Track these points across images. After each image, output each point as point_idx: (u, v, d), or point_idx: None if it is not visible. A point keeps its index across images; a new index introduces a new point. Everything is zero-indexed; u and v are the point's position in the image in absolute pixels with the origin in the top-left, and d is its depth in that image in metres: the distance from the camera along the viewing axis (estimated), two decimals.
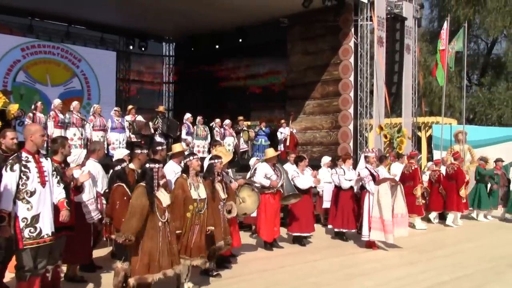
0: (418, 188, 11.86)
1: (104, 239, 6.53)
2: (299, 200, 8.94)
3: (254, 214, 8.81)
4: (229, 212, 6.76)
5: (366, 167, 9.21)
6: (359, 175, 9.28)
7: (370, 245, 9.12)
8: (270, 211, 8.61)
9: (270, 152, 9.01)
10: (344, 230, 9.84)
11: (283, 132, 14.99)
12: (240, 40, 18.63)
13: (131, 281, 5.17)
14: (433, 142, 19.00)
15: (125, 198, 5.60)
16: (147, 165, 5.40)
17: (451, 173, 12.82)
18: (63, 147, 5.54)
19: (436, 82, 25.90)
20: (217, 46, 19.43)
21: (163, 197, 5.38)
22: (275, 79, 18.43)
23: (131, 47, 20.18)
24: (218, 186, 6.59)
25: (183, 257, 5.74)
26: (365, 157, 9.44)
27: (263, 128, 15.06)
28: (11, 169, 4.75)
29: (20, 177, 4.77)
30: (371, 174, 9.07)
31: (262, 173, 8.66)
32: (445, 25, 16.48)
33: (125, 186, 5.73)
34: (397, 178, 10.59)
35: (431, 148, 20.11)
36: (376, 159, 9.67)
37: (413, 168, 12.10)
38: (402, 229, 9.17)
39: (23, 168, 4.79)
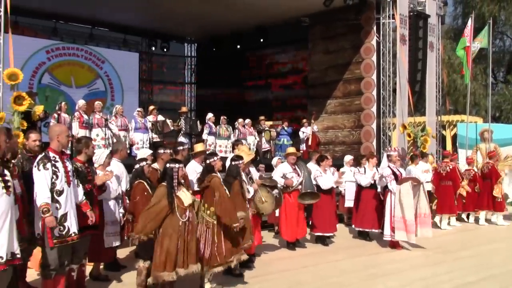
0: (464, 185, 11.77)
1: (126, 238, 6.59)
2: (317, 201, 8.80)
3: (278, 214, 8.81)
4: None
5: (388, 166, 9.14)
6: (381, 174, 9.19)
7: (394, 245, 9.04)
8: (290, 211, 8.58)
9: (289, 149, 9.09)
10: (367, 230, 9.76)
11: (305, 132, 14.93)
12: (261, 40, 18.63)
13: (149, 280, 5.24)
14: (458, 141, 18.73)
15: (145, 193, 5.66)
16: (168, 165, 5.45)
17: (485, 172, 12.62)
18: (87, 147, 5.63)
19: (460, 80, 25.62)
20: (238, 46, 19.46)
21: (185, 196, 5.40)
22: (296, 78, 18.37)
23: (153, 48, 20.35)
24: (244, 186, 6.62)
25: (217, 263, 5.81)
26: (388, 156, 9.37)
27: (286, 128, 15.03)
28: (44, 167, 4.82)
29: (52, 176, 4.85)
30: (394, 173, 8.98)
31: (280, 172, 8.67)
32: (470, 22, 16.22)
33: (145, 183, 5.78)
34: (424, 178, 10.45)
35: (456, 147, 19.83)
36: (399, 158, 9.55)
37: (450, 167, 11.90)
38: (426, 229, 9.07)
39: (53, 168, 4.87)
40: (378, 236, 9.66)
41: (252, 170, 7.75)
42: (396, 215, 8.76)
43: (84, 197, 5.23)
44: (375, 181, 9.50)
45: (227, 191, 6.01)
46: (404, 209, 8.69)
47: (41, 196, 4.72)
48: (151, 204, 5.28)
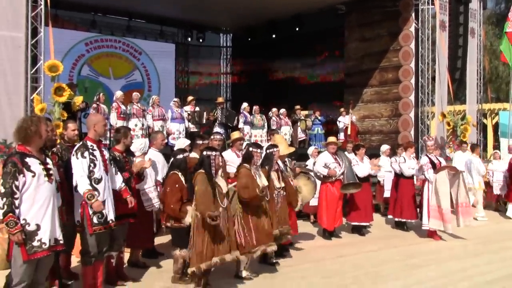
0: None
1: (163, 226, 6.68)
2: (359, 190, 8.79)
3: (313, 203, 8.79)
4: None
5: (426, 155, 9.04)
6: (420, 163, 9.06)
7: (432, 235, 8.91)
8: (331, 200, 8.55)
9: (330, 138, 9.02)
10: (404, 220, 9.61)
11: (343, 121, 14.78)
12: (297, 29, 18.48)
13: (192, 269, 5.27)
14: (500, 129, 18.19)
15: (176, 185, 5.67)
16: (204, 153, 5.48)
17: None
18: (125, 137, 5.71)
19: (503, 66, 24.83)
20: (273, 36, 19.37)
21: (223, 184, 5.45)
22: (332, 67, 18.18)
23: (189, 39, 20.48)
24: (273, 175, 6.60)
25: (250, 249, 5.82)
26: (425, 145, 9.28)
27: (318, 117, 14.93)
28: (82, 156, 4.93)
29: (89, 164, 4.95)
30: (431, 162, 8.84)
31: (322, 162, 8.61)
32: None
33: (179, 175, 5.79)
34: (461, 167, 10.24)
35: (497, 136, 19.28)
36: (435, 147, 9.38)
37: None
38: (468, 218, 8.91)
39: (91, 156, 4.98)
40: (416, 226, 9.53)
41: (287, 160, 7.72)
42: (432, 204, 8.67)
43: (123, 184, 5.31)
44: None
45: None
46: (440, 197, 8.58)
47: (82, 183, 4.84)
48: (198, 189, 5.29)
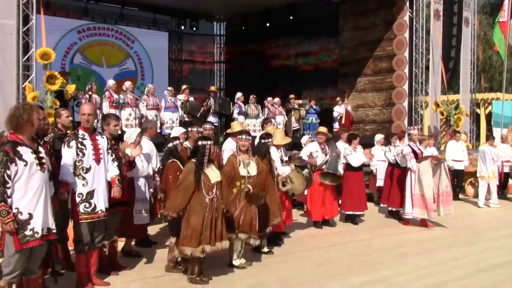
0: None
1: (159, 215, 6.67)
2: (337, 183, 8.74)
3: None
4: (283, 185, 6.81)
5: (408, 145, 9.15)
6: (401, 152, 9.15)
7: (425, 224, 8.96)
8: (316, 190, 8.51)
9: (320, 128, 9.03)
10: (397, 209, 9.65)
11: (338, 110, 14.77)
12: (291, 17, 18.40)
13: (176, 254, 5.35)
14: (493, 119, 18.29)
15: (178, 173, 5.70)
16: (199, 142, 5.46)
17: None
18: (107, 125, 5.63)
19: (496, 56, 24.88)
20: (267, 24, 19.27)
21: (213, 174, 5.41)
22: (326, 56, 18.14)
23: (182, 28, 20.34)
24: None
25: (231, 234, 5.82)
26: (408, 134, 9.42)
27: (313, 106, 14.91)
28: (68, 146, 4.95)
29: (77, 154, 4.94)
30: (414, 152, 8.97)
31: (307, 151, 8.64)
32: None
33: (178, 162, 5.82)
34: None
35: (490, 125, 19.37)
36: (430, 137, 9.47)
37: None
38: (448, 207, 9.07)
39: (79, 145, 4.96)
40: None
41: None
42: (415, 193, 8.81)
43: (115, 173, 5.26)
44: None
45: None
46: (423, 186, 8.72)
47: (62, 173, 4.90)
48: (179, 182, 5.34)
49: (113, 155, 5.28)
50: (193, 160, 5.39)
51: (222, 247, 5.42)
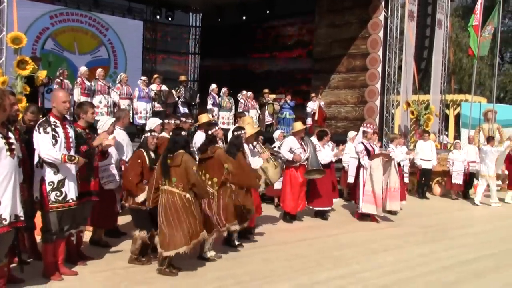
0: None
1: (120, 208, 6.59)
2: (323, 176, 8.84)
3: (277, 186, 8.82)
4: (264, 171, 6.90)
5: (362, 142, 9.39)
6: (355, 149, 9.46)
7: (375, 219, 9.26)
8: (294, 185, 8.61)
9: (298, 126, 8.99)
10: None
11: (311, 106, 14.85)
12: (267, 11, 18.39)
13: (169, 253, 5.29)
14: (461, 120, 18.68)
15: (138, 160, 5.68)
16: (176, 133, 5.45)
17: None
18: (84, 113, 5.53)
19: (466, 59, 25.39)
20: (244, 17, 19.22)
21: None
22: (301, 51, 18.20)
23: (158, 17, 20.12)
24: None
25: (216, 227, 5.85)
26: (364, 132, 9.60)
27: (288, 101, 14.96)
28: (45, 131, 4.82)
29: (51, 140, 4.84)
30: (366, 149, 9.22)
31: (288, 147, 8.65)
32: (479, 0, 15.99)
33: (144, 153, 5.77)
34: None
35: (458, 126, 19.78)
36: (375, 135, 9.75)
37: None
38: (394, 203, 9.38)
39: (53, 132, 4.86)
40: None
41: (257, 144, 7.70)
42: (366, 189, 9.08)
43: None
44: None
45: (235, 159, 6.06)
46: (374, 183, 9.01)
47: (53, 152, 4.78)
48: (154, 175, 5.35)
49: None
50: (182, 151, 5.36)
51: (204, 237, 5.45)
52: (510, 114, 17.52)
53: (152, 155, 5.86)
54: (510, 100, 26.65)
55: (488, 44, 16.45)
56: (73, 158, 4.87)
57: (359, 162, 9.90)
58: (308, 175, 8.68)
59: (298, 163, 8.55)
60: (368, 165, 9.08)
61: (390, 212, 10.00)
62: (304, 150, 8.63)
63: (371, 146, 9.39)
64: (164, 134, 6.81)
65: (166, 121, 7.08)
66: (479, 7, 15.89)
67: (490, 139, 12.72)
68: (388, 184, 9.27)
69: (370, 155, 9.18)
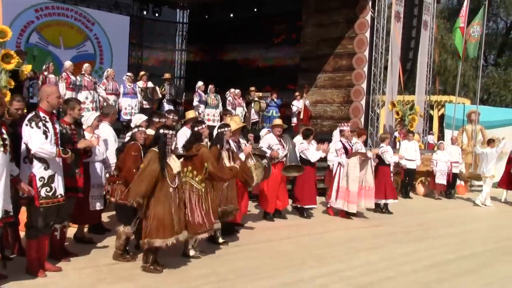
0: None
1: (107, 202, 6.56)
2: (301, 173, 8.89)
3: None
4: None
5: (340, 141, 9.62)
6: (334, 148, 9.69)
7: (343, 215, 9.49)
8: (272, 182, 8.54)
9: (276, 121, 9.17)
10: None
11: (297, 105, 14.89)
12: (255, 10, 18.40)
13: (143, 243, 5.26)
14: (445, 121, 18.88)
15: (135, 154, 5.66)
16: (161, 131, 5.41)
17: None
18: (72, 109, 5.51)
19: (451, 60, 25.66)
20: (231, 15, 19.20)
21: (174, 163, 5.40)
22: (288, 50, 18.24)
23: (144, 13, 20.02)
24: (224, 154, 6.61)
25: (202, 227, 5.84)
26: (341, 130, 9.81)
27: (275, 100, 15.00)
28: (37, 126, 4.77)
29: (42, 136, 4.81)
30: (344, 148, 9.44)
31: (266, 143, 8.69)
32: (466, 2, 16.17)
33: (139, 144, 5.78)
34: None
35: (442, 127, 19.98)
36: (351, 133, 9.94)
37: None
38: (369, 200, 9.62)
39: (43, 128, 4.83)
40: (362, 210, 9.87)
41: (242, 141, 7.72)
42: (341, 186, 9.31)
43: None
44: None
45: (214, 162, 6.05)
46: (350, 181, 9.22)
47: (48, 146, 4.77)
48: (142, 168, 5.27)
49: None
50: (154, 149, 5.34)
51: (184, 238, 5.44)
52: (493, 116, 17.74)
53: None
54: (493, 102, 26.97)
55: (477, 46, 16.62)
56: (67, 152, 4.87)
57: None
58: (286, 172, 8.69)
59: (276, 160, 8.55)
60: (345, 163, 9.29)
61: (386, 212, 10.34)
62: (283, 147, 8.66)
63: (349, 144, 9.58)
64: (151, 131, 6.74)
65: (156, 119, 6.95)
66: (465, 9, 16.07)
67: (490, 141, 13.04)
68: (364, 183, 9.51)
69: (348, 153, 9.38)
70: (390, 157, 10.51)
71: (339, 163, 9.41)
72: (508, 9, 27.50)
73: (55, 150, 4.79)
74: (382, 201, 10.43)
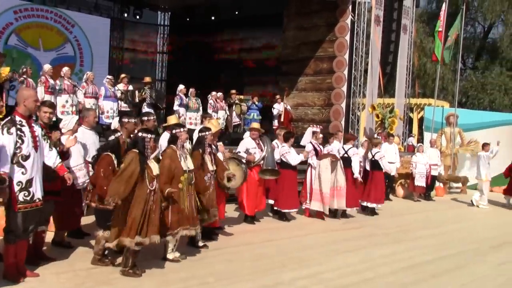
0: None
1: (83, 204, 6.49)
2: (277, 177, 8.91)
3: None
4: (229, 180, 6.85)
5: (310, 142, 9.82)
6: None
7: (321, 216, 9.62)
8: (251, 185, 8.55)
9: (253, 124, 9.29)
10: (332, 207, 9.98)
11: (278, 108, 14.95)
12: (237, 12, 18.44)
13: (110, 244, 5.28)
14: (425, 124, 19.09)
15: (110, 167, 5.54)
16: (140, 134, 5.40)
17: None
18: (38, 111, 5.47)
19: (430, 63, 26.00)
20: (212, 17, 19.22)
21: (154, 166, 5.41)
22: (270, 53, 18.34)
23: (125, 15, 19.94)
24: (207, 158, 6.61)
25: (179, 228, 5.82)
26: (313, 132, 10.12)
27: (256, 103, 15.04)
28: (8, 132, 4.72)
29: (16, 141, 4.76)
30: (315, 149, 9.60)
31: (243, 147, 8.69)
32: (444, 7, 16.41)
33: (113, 157, 5.64)
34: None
35: (422, 129, 20.22)
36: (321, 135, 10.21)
37: None
38: (341, 201, 9.70)
39: (18, 132, 4.78)
40: (342, 214, 9.98)
41: (218, 144, 7.70)
42: (314, 188, 9.47)
43: (59, 161, 5.15)
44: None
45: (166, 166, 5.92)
46: (322, 182, 9.38)
47: (1, 162, 4.66)
48: (122, 168, 5.25)
49: (49, 141, 5.16)
50: (134, 150, 5.33)
51: (156, 241, 5.41)
52: (471, 118, 17.98)
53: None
54: (472, 105, 27.36)
55: (450, 50, 16.87)
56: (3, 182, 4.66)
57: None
58: (263, 175, 8.70)
59: (252, 163, 8.56)
60: (317, 165, 9.44)
61: (370, 214, 10.53)
62: (261, 150, 8.69)
63: (319, 146, 9.78)
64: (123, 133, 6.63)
65: (125, 120, 6.81)
66: (443, 14, 16.31)
67: (485, 145, 13.18)
68: (335, 183, 9.63)
69: (318, 155, 9.56)
70: (387, 163, 10.80)
71: (310, 165, 9.56)
72: (485, 13, 27.94)
73: (5, 169, 4.67)
74: (369, 204, 10.63)
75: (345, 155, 10.13)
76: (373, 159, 10.75)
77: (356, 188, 10.23)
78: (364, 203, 10.69)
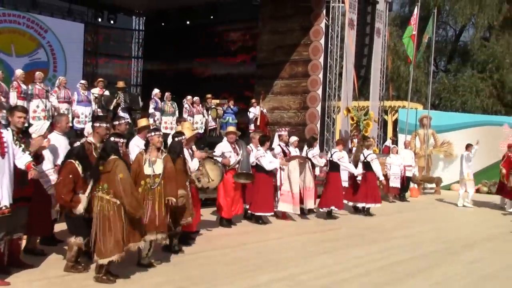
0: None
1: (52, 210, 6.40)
2: (251, 181, 8.95)
3: None
4: (198, 181, 6.82)
5: (279, 145, 10.06)
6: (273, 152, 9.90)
7: (283, 216, 9.77)
8: (227, 188, 8.60)
9: (229, 128, 9.40)
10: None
11: (254, 112, 14.99)
12: (211, 17, 18.45)
13: (101, 261, 5.21)
14: (399, 126, 19.35)
15: (70, 176, 5.42)
16: (112, 139, 5.35)
17: None
18: (11, 116, 5.39)
19: (404, 66, 26.34)
20: (187, 22, 19.20)
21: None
22: (245, 57, 18.36)
23: (99, 20, 19.76)
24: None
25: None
26: (279, 135, 10.27)
27: (231, 106, 15.05)
28: None
29: None
30: (283, 152, 9.83)
31: (219, 151, 8.70)
32: (416, 11, 16.68)
33: (76, 164, 5.54)
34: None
35: (396, 132, 20.47)
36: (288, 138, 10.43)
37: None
38: (310, 200, 9.94)
39: None
40: (317, 214, 10.01)
41: (194, 148, 7.67)
42: (284, 189, 9.59)
43: (28, 159, 5.07)
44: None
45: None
46: (292, 183, 9.54)
47: None
48: (126, 180, 5.25)
49: (22, 145, 5.07)
50: (115, 157, 5.27)
51: (133, 248, 5.39)
52: (444, 120, 18.30)
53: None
54: (444, 106, 27.77)
55: (421, 52, 17.16)
56: None
57: None
58: (237, 179, 8.73)
59: (228, 167, 8.56)
60: (285, 167, 9.59)
61: (368, 214, 10.79)
62: (237, 154, 8.71)
63: (287, 149, 9.98)
64: (90, 139, 6.54)
65: (97, 124, 6.72)
66: (415, 17, 16.57)
67: (468, 146, 13.37)
68: (305, 184, 9.80)
69: (286, 156, 9.78)
70: (378, 165, 10.99)
71: (279, 167, 9.65)
72: (456, 17, 28.43)
73: None
74: (364, 205, 10.89)
75: (330, 158, 10.37)
76: (365, 160, 10.86)
77: (339, 190, 10.39)
78: (362, 204, 10.91)
